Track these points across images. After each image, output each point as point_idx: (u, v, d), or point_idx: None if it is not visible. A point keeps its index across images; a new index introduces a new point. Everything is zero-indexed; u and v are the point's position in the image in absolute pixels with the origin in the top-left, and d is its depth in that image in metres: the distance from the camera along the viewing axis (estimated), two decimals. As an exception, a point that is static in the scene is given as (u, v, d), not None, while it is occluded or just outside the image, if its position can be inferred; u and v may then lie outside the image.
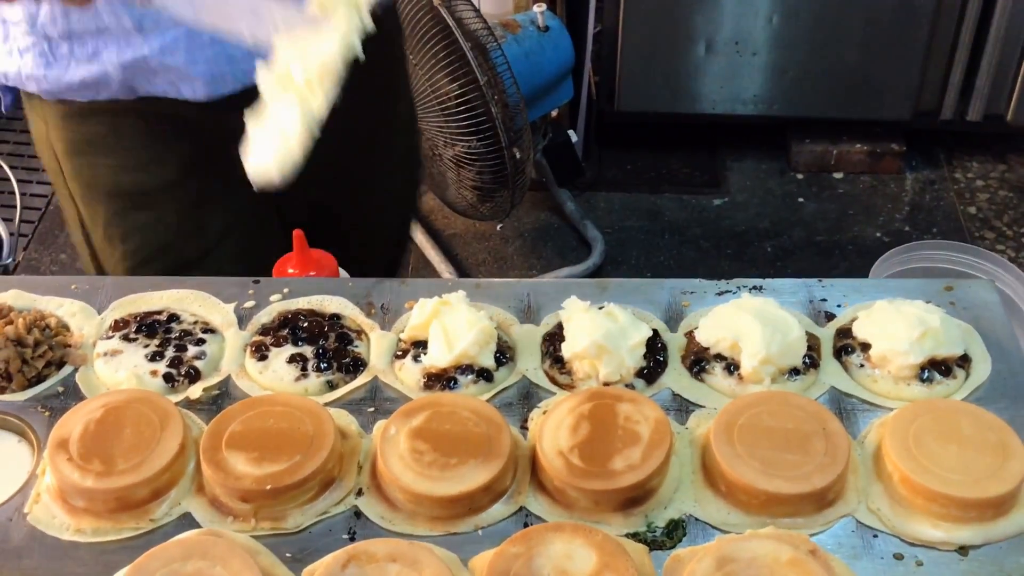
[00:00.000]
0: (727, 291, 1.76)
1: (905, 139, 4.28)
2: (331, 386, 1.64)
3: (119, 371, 1.63)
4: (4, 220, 1.99)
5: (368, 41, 1.58)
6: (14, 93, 1.95)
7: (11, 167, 2.62)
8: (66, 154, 1.99)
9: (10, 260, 1.95)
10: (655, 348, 1.66)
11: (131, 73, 1.85)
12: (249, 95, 1.59)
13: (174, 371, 1.64)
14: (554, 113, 3.94)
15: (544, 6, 3.72)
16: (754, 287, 1.76)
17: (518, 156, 3.42)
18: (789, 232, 4.07)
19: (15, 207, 2.03)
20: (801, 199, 4.21)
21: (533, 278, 3.83)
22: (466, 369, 1.63)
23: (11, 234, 1.99)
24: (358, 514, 1.47)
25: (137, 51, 1.82)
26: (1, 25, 1.83)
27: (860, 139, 4.28)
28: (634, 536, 1.44)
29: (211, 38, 1.83)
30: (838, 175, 4.29)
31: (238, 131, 1.57)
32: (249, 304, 1.74)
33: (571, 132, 3.99)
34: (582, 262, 3.94)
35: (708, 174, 4.36)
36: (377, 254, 2.37)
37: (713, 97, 4.24)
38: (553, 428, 1.51)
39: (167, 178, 1.96)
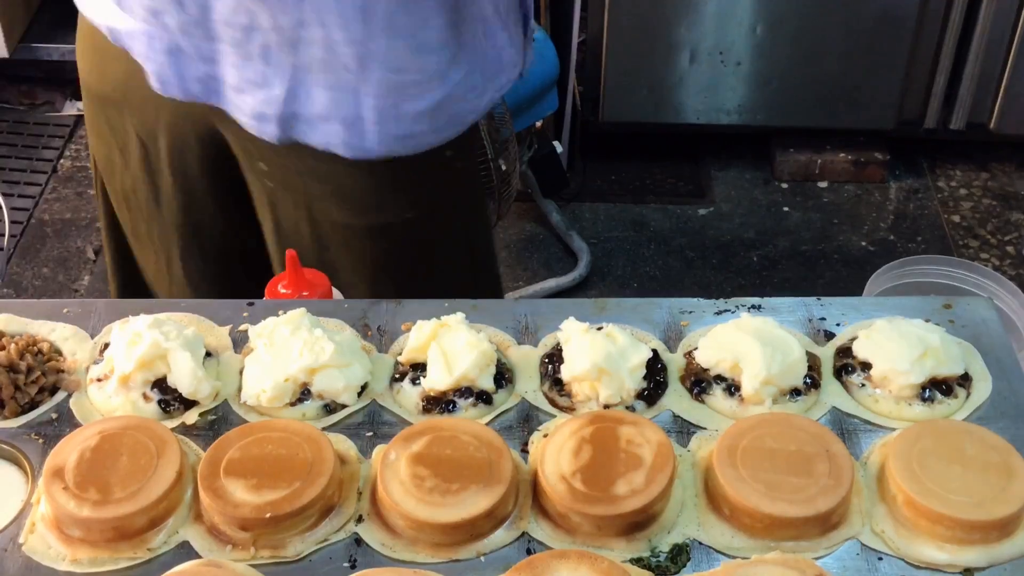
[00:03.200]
0: (726, 310, 1.75)
1: (889, 148, 4.29)
2: (328, 409, 1.62)
3: (113, 397, 1.61)
4: (-5, 236, 1.96)
5: None
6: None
7: (1, 181, 2.58)
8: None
9: (1, 279, 1.91)
10: (655, 369, 1.65)
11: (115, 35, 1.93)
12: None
13: (169, 396, 1.62)
14: (538, 124, 3.93)
15: (529, 17, 3.70)
16: (753, 306, 1.76)
17: (504, 167, 3.40)
18: (774, 241, 4.07)
19: (3, 222, 1.99)
20: (786, 208, 4.21)
21: (527, 296, 3.81)
22: (465, 392, 1.61)
23: (1, 248, 1.96)
24: (359, 541, 1.46)
25: (112, 21, 1.91)
26: None
27: (844, 148, 4.29)
28: (638, 561, 1.43)
29: (163, 48, 1.87)
30: (822, 184, 4.30)
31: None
32: (244, 327, 1.72)
33: (556, 143, 3.98)
34: (568, 273, 3.93)
35: (693, 184, 4.36)
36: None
37: (697, 107, 4.24)
38: (555, 452, 1.50)
39: None
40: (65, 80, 4.73)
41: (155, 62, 1.89)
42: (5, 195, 3.14)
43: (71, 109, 4.83)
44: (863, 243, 4.06)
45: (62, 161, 4.59)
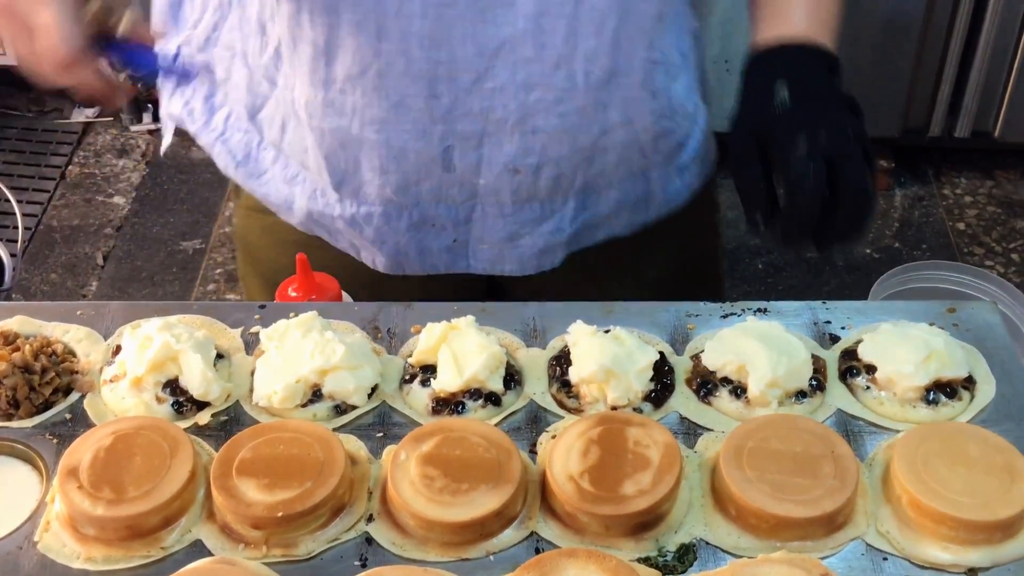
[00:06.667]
0: (732, 313, 1.77)
1: (894, 156, 4.31)
2: (339, 411, 1.64)
3: (126, 398, 1.63)
4: (6, 241, 1.98)
5: None
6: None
7: (9, 188, 2.61)
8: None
9: (11, 285, 1.94)
10: (662, 371, 1.66)
11: (316, 221, 1.88)
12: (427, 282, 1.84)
13: (181, 397, 1.64)
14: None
15: (536, 25, 3.72)
16: (759, 309, 1.77)
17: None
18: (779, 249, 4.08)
19: (15, 228, 2.01)
20: (791, 216, 4.22)
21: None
22: (475, 393, 1.63)
23: (12, 255, 1.98)
24: (369, 540, 1.48)
25: (327, 208, 1.84)
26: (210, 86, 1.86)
27: (849, 156, 4.30)
28: (645, 561, 1.44)
29: (408, 223, 1.83)
30: (827, 192, 4.31)
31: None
32: (255, 329, 1.74)
33: (563, 150, 3.99)
34: (574, 280, 3.94)
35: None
36: None
37: (703, 115, 4.25)
38: (563, 453, 1.51)
39: None
40: (73, 87, 4.76)
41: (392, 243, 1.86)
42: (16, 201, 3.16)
43: (79, 116, 4.86)
44: (868, 250, 4.08)
45: (70, 168, 4.62)
